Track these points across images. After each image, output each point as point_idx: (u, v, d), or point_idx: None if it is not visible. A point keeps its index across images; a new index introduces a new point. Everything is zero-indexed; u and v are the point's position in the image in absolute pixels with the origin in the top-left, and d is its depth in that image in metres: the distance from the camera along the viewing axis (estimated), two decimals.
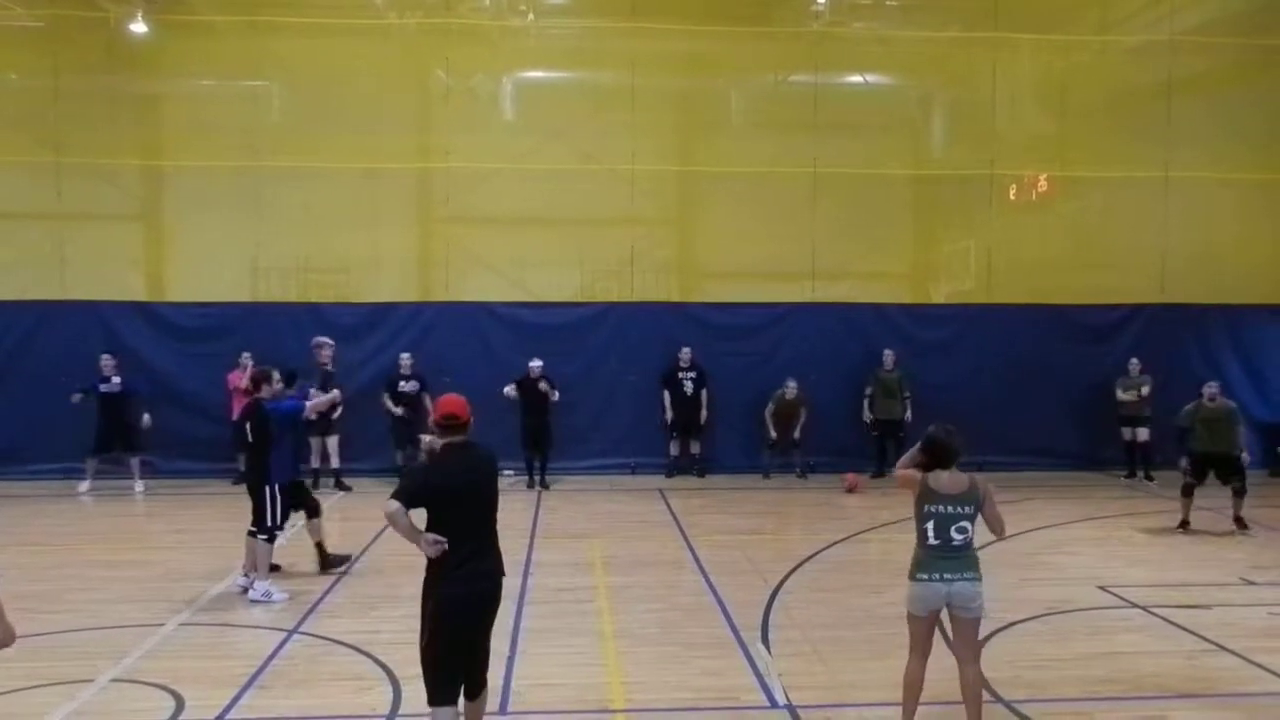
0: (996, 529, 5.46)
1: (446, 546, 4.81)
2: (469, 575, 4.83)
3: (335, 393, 10.42)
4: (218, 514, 11.99)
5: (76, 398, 12.72)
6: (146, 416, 13.15)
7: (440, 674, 4.86)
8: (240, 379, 13.38)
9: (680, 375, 14.15)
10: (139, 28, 13.93)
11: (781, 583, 8.72)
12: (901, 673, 5.44)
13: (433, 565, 4.89)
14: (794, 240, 14.72)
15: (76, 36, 13.93)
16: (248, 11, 14.14)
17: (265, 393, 8.47)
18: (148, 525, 11.57)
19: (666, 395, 14.16)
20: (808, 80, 14.84)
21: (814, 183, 14.58)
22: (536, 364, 13.46)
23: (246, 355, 13.41)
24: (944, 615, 5.39)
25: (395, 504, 4.75)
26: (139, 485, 13.29)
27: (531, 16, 15.03)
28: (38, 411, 13.37)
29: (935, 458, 5.34)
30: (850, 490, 13.18)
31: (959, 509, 5.26)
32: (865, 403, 14.23)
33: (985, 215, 15.15)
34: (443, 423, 4.99)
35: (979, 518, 5.33)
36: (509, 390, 13.18)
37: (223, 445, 13.62)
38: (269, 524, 8.34)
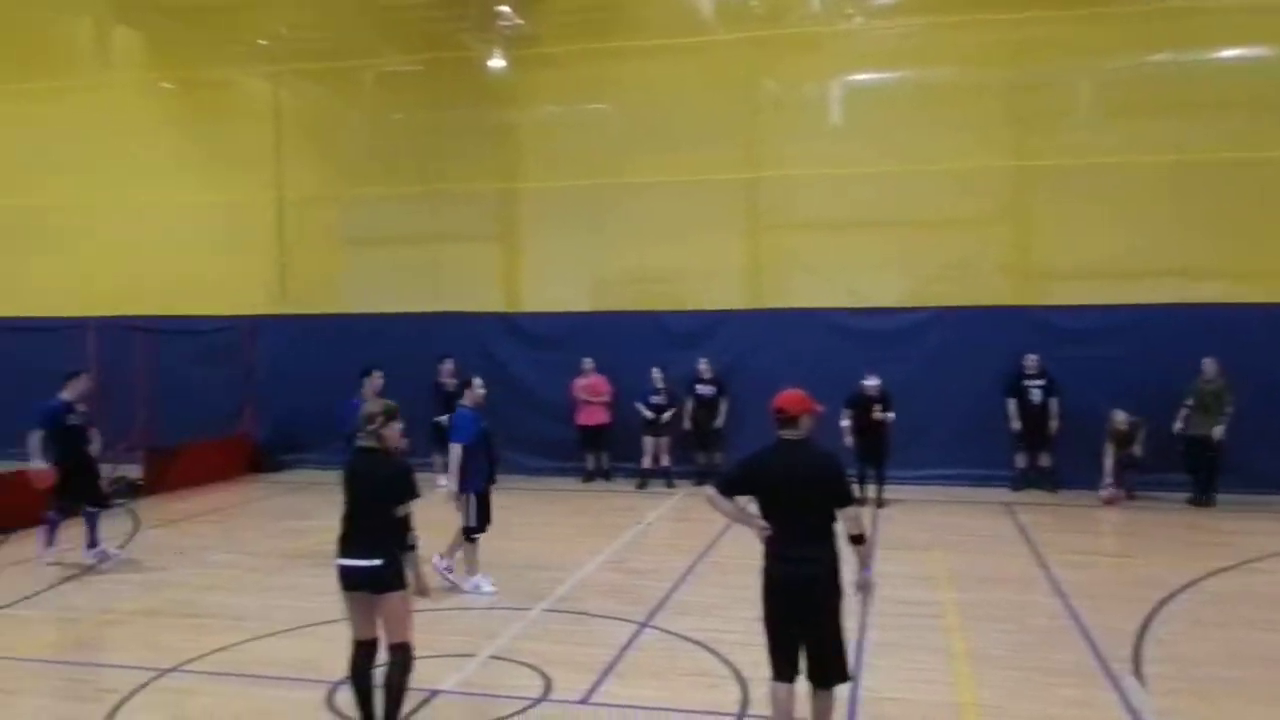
0: None
1: (770, 532, 5.15)
2: (786, 559, 5.09)
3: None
4: (569, 510, 12.96)
5: (437, 380, 13.99)
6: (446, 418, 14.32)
7: (771, 648, 5.20)
8: (586, 385, 14.36)
9: (1026, 383, 13.32)
10: (498, 64, 15.33)
11: (1153, 612, 7.94)
12: None
13: (765, 547, 5.22)
14: (1153, 236, 13.33)
15: (447, 76, 15.59)
16: (590, 40, 15.07)
17: (467, 399, 8.82)
18: (509, 517, 12.60)
19: (1011, 404, 13.38)
20: (1167, 59, 13.43)
21: (1177, 171, 13.17)
22: (873, 381, 12.52)
23: (588, 361, 14.35)
24: None
25: (710, 489, 5.35)
26: (443, 481, 14.46)
27: (859, 19, 14.84)
28: (415, 413, 14.99)
29: None
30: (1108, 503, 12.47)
31: None
32: (1180, 414, 12.54)
33: None
34: (774, 416, 5.23)
35: None
36: (844, 423, 12.33)
37: (569, 445, 14.72)
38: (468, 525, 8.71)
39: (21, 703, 6.22)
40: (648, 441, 14.21)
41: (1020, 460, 13.58)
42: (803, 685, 5.17)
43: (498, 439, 14.82)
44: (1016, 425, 13.38)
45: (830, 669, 5.12)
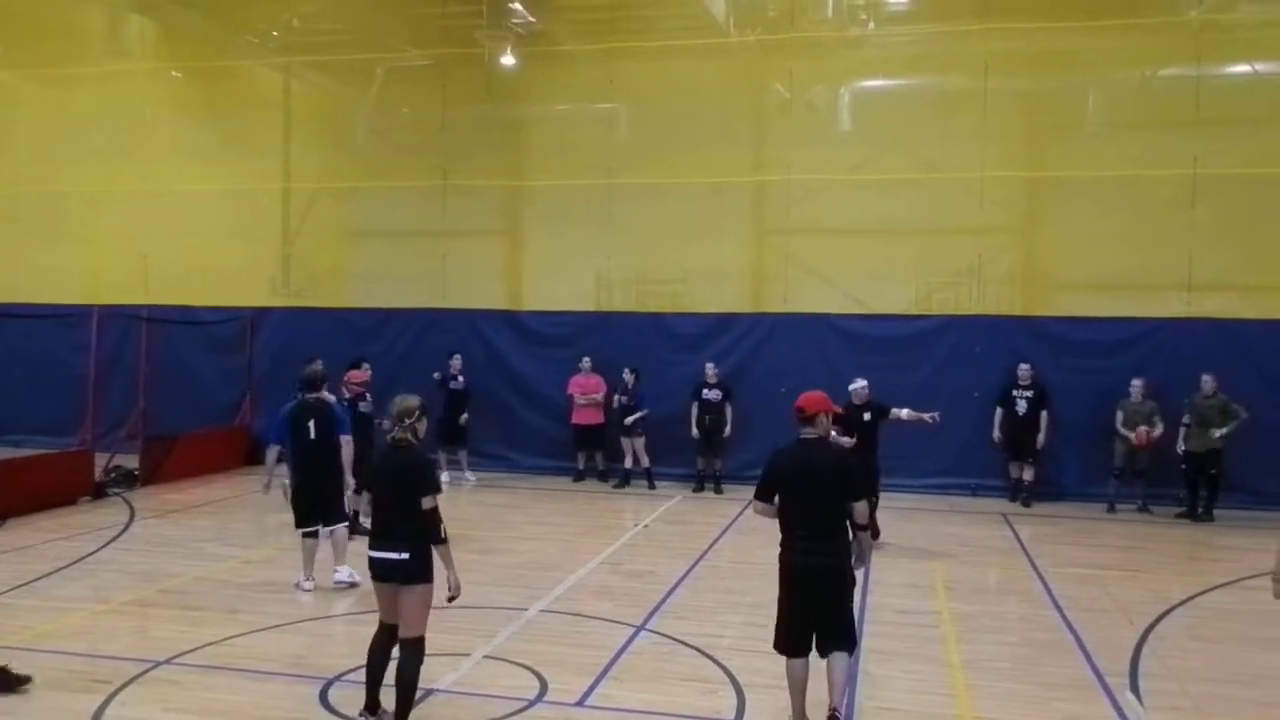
0: None
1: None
2: (802, 550, 5.51)
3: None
4: (567, 510, 12.92)
5: (437, 375, 14.05)
6: (465, 415, 14.29)
7: (782, 628, 5.65)
8: (579, 384, 14.31)
9: (1015, 393, 13.24)
10: (509, 60, 15.29)
11: (1152, 626, 7.91)
12: None
13: (782, 537, 5.64)
14: (1164, 249, 13.29)
15: (458, 72, 15.54)
16: (602, 39, 15.03)
17: (324, 392, 8.93)
18: (507, 516, 12.60)
19: (998, 413, 13.31)
20: (1185, 73, 13.36)
21: (1192, 185, 13.11)
22: (859, 384, 10.79)
23: (586, 360, 14.34)
24: None
25: (754, 504, 5.81)
26: (470, 476, 14.51)
27: (873, 25, 14.79)
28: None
29: None
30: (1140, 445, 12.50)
31: None
32: (1180, 433, 12.47)
33: None
34: (795, 415, 5.65)
35: None
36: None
37: (569, 445, 14.69)
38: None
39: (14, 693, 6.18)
40: (625, 442, 14.18)
41: (1014, 470, 13.50)
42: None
43: (498, 435, 15.02)
44: (996, 435, 13.30)
45: (845, 638, 5.61)
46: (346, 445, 8.67)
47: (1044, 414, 13.12)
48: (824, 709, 5.58)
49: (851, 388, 10.73)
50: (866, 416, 10.52)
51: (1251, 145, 13.06)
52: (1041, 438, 13.13)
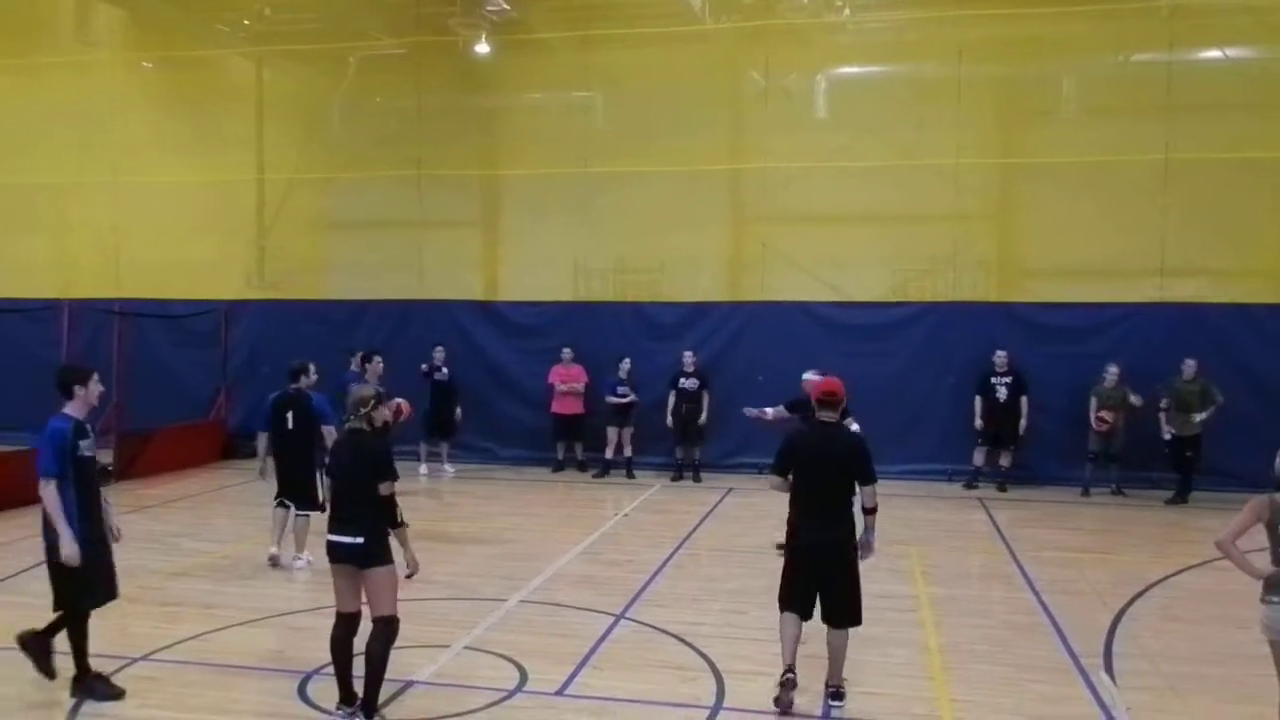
0: None
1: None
2: (813, 526, 5.84)
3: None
4: (546, 500, 12.92)
5: (425, 368, 14.03)
6: (459, 410, 14.29)
7: (785, 588, 6.02)
8: (561, 374, 14.28)
9: (994, 380, 13.32)
10: (484, 49, 15.17)
11: (1125, 608, 8.02)
12: None
13: (792, 512, 5.95)
14: (1137, 234, 13.44)
15: (433, 60, 15.45)
16: (578, 27, 14.96)
17: (303, 383, 9.03)
18: (486, 507, 12.57)
19: (978, 401, 13.39)
20: (1158, 58, 13.48)
21: (1164, 171, 13.22)
22: (811, 377, 9.14)
23: (567, 350, 14.32)
24: None
25: (769, 478, 6.14)
26: (449, 468, 14.48)
27: (848, 12, 14.79)
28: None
29: None
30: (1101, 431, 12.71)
31: None
32: (1161, 417, 12.62)
33: None
34: (822, 399, 6.04)
35: None
36: (772, 412, 10.05)
37: (547, 434, 14.66)
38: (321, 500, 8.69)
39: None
40: (612, 432, 14.12)
41: (978, 457, 13.54)
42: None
43: (477, 426, 14.96)
44: (979, 422, 13.36)
45: (846, 615, 5.89)
46: (328, 435, 8.67)
47: (1024, 399, 13.20)
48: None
49: (805, 376, 9.50)
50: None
51: (1222, 130, 13.19)
52: (1024, 424, 13.21)
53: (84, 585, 5.84)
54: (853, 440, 6.06)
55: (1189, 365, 12.53)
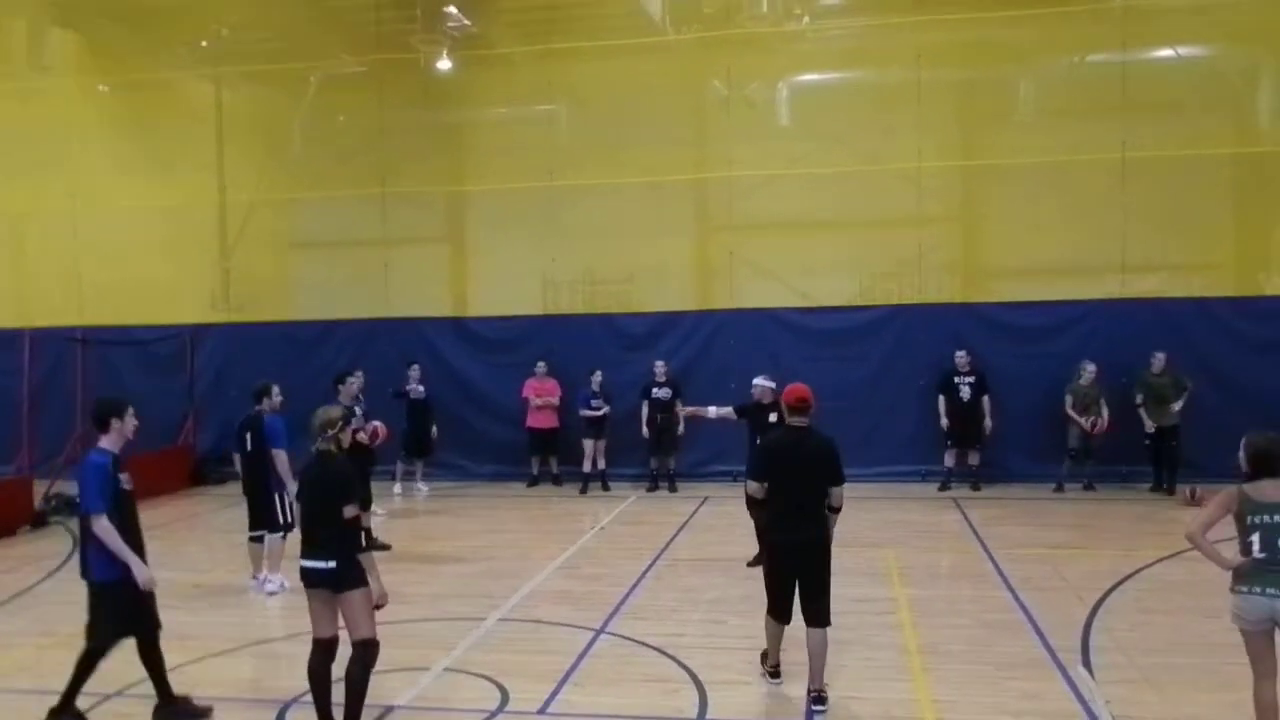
0: None
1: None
2: (788, 527, 6.10)
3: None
4: (521, 516, 12.84)
5: (395, 390, 13.83)
6: (435, 429, 14.20)
7: (771, 594, 6.26)
8: (535, 388, 14.23)
9: (957, 380, 13.42)
10: (446, 65, 15.13)
11: (1100, 602, 8.09)
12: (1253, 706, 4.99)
13: (770, 514, 6.26)
14: (1097, 232, 13.62)
15: (394, 77, 15.37)
16: (540, 40, 14.98)
17: (265, 405, 9.02)
18: (460, 524, 12.48)
19: (942, 401, 13.48)
20: (1113, 59, 13.71)
21: (1121, 169, 13.42)
22: (765, 383, 9.41)
23: (541, 364, 14.28)
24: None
25: (749, 485, 6.45)
26: (422, 486, 14.39)
27: (807, 19, 14.91)
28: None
29: (1259, 467, 5.02)
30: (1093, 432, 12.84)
31: None
32: (1141, 413, 12.78)
33: None
34: (793, 405, 6.22)
35: None
36: (714, 411, 9.83)
37: (520, 449, 14.58)
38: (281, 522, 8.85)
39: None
40: (588, 445, 14.03)
41: (949, 459, 13.63)
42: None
43: (450, 443, 14.86)
44: (945, 422, 13.45)
45: (821, 612, 6.09)
46: (277, 457, 8.71)
47: (985, 398, 13.32)
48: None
49: (756, 381, 9.50)
50: (772, 417, 8.84)
51: (1177, 128, 13.45)
52: (988, 423, 13.32)
53: (119, 616, 5.92)
54: (825, 443, 6.19)
55: (1158, 359, 12.72)
